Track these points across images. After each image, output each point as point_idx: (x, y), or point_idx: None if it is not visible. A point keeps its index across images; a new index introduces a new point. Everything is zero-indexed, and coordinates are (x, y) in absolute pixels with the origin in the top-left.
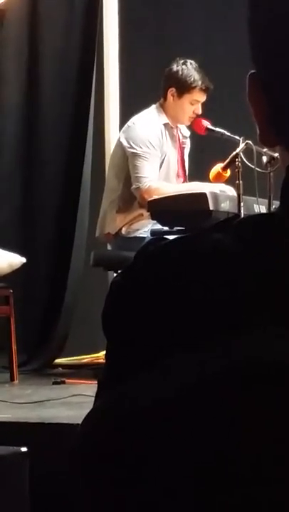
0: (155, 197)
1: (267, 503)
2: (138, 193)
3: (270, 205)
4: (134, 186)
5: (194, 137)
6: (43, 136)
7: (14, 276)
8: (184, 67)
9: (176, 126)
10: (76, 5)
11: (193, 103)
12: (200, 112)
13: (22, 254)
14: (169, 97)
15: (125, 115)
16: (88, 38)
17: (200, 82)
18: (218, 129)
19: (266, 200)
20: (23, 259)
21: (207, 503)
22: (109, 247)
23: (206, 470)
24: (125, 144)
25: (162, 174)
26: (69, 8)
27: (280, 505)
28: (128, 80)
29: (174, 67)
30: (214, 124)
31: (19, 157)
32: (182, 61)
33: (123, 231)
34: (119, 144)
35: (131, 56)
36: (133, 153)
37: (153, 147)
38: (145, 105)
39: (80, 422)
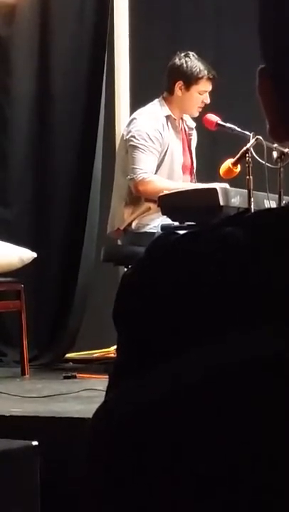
0: (166, 192)
1: None
2: (132, 184)
3: (280, 200)
4: (128, 177)
5: (205, 132)
6: (53, 131)
7: (25, 271)
8: (187, 59)
9: (181, 118)
10: None
11: (201, 93)
12: (208, 101)
13: (33, 249)
14: (177, 91)
15: (136, 109)
16: (99, 32)
17: (206, 72)
18: (228, 125)
19: (276, 196)
20: (34, 254)
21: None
22: (119, 243)
23: (230, 461)
24: (126, 137)
25: (166, 166)
26: (80, 1)
27: None
28: (138, 74)
29: (177, 61)
30: (224, 120)
31: (30, 153)
32: (184, 54)
33: (133, 226)
34: (122, 138)
35: (141, 49)
36: (131, 145)
37: (151, 140)
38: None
39: (90, 416)
